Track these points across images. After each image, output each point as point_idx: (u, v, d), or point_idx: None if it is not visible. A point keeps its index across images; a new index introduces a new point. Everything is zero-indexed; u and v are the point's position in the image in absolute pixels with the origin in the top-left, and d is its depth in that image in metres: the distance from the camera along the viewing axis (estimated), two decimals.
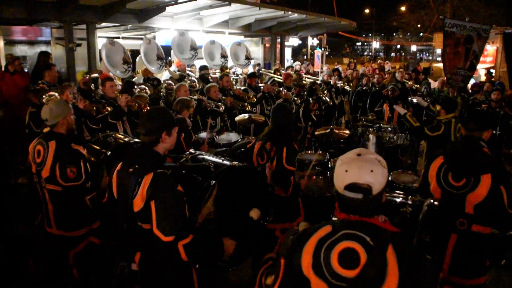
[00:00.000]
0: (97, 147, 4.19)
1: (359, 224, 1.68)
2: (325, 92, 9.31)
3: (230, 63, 10.34)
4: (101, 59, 8.10)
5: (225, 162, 3.24)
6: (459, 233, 2.98)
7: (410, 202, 2.93)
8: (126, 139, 4.52)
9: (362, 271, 1.58)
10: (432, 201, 2.86)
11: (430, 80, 11.84)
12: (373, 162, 1.68)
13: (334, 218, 1.80)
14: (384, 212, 1.76)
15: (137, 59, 9.10)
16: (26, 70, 8.90)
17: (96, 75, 6.76)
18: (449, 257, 3.01)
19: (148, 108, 5.30)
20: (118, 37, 10.21)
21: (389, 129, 6.93)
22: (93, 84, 6.55)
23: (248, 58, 10.31)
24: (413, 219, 2.90)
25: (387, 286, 1.56)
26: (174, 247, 2.27)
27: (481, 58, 9.26)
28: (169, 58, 9.81)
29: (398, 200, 3.37)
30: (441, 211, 3.03)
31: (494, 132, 7.29)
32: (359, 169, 1.67)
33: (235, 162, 3.20)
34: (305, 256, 1.70)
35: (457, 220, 2.97)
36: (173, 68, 9.05)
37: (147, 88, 6.90)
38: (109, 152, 4.08)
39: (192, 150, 3.53)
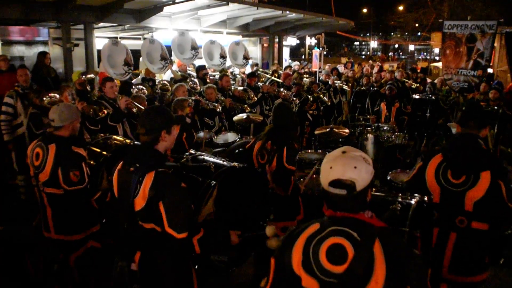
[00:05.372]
0: (97, 150, 4.17)
1: (346, 220, 1.70)
2: (322, 91, 9.31)
3: (228, 63, 10.32)
4: (99, 59, 8.06)
5: (225, 163, 3.24)
6: (459, 231, 2.97)
7: (399, 199, 2.96)
8: (125, 142, 4.51)
9: (350, 266, 1.60)
10: (421, 197, 2.88)
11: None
12: (357, 159, 1.72)
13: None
14: (375, 210, 1.78)
15: (141, 59, 9.06)
16: None
17: (92, 75, 6.71)
18: (449, 256, 3.00)
19: None
20: (116, 37, 10.19)
21: (388, 128, 6.94)
22: (89, 85, 6.51)
23: (246, 58, 10.27)
24: (403, 216, 2.92)
25: (374, 280, 1.58)
26: (188, 243, 2.27)
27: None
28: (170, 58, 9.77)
29: (389, 198, 3.39)
30: (440, 209, 3.02)
31: (492, 130, 7.33)
32: (343, 166, 1.70)
33: (235, 163, 3.19)
34: (295, 254, 1.73)
35: (456, 218, 2.96)
36: (175, 68, 9.02)
37: (144, 88, 6.88)
38: (110, 154, 4.05)
39: (192, 151, 3.53)
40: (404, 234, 2.90)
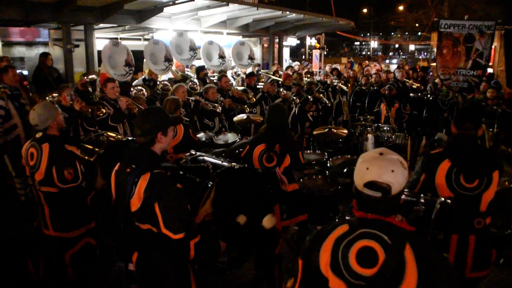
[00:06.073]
0: (90, 147, 4.20)
1: (377, 222, 1.69)
2: (319, 91, 9.30)
3: (232, 63, 10.28)
4: (100, 60, 8.06)
5: (224, 163, 3.25)
6: (477, 233, 3.01)
7: (422, 200, 2.95)
8: (118, 137, 4.53)
9: (380, 270, 1.59)
10: (444, 199, 2.88)
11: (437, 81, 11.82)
12: (394, 162, 1.69)
13: (347, 217, 1.80)
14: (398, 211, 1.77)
15: (145, 60, 9.04)
16: (26, 72, 8.92)
17: (93, 76, 6.72)
18: (471, 256, 3.02)
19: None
20: (116, 38, 10.20)
21: (387, 128, 6.94)
22: (90, 86, 6.52)
23: (251, 58, 10.19)
24: (426, 218, 2.92)
25: (406, 285, 1.57)
26: (185, 245, 2.27)
27: None
28: None
29: (409, 198, 3.38)
30: (455, 215, 3.01)
31: (492, 129, 7.33)
32: (380, 168, 1.68)
33: (234, 163, 3.20)
34: (322, 256, 1.71)
35: (474, 221, 2.99)
36: (174, 68, 9.01)
37: (144, 89, 6.89)
38: (102, 150, 4.08)
39: (192, 151, 3.54)
40: (427, 236, 2.91)
